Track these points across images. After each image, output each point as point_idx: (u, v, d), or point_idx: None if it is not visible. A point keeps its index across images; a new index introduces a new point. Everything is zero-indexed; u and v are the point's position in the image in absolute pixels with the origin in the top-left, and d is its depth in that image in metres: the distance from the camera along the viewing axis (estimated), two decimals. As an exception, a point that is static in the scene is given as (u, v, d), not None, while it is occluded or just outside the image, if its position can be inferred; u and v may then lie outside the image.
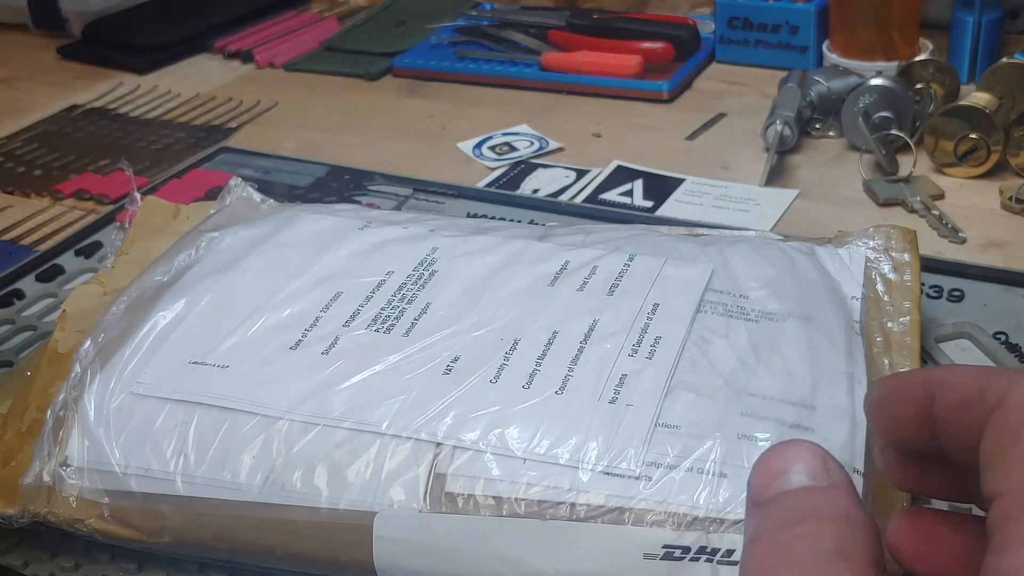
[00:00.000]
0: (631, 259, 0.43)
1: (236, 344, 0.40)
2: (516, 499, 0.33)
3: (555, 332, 0.39)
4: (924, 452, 0.25)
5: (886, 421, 0.26)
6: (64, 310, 0.46)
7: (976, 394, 0.23)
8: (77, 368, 0.40)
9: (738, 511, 0.32)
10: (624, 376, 0.36)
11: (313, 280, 0.43)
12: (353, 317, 0.41)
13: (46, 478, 0.37)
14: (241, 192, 0.53)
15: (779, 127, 0.63)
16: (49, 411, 0.39)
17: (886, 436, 0.26)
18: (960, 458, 0.23)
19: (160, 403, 0.38)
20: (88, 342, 0.41)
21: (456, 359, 0.38)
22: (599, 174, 0.65)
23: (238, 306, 0.42)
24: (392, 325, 0.40)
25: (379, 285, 0.42)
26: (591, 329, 0.39)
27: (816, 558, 0.21)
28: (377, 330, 0.40)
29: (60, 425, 0.38)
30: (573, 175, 0.65)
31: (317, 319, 0.41)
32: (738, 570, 0.23)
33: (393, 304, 0.41)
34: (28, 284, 0.57)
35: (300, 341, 0.40)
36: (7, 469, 0.39)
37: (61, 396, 0.39)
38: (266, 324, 0.41)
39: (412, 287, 0.42)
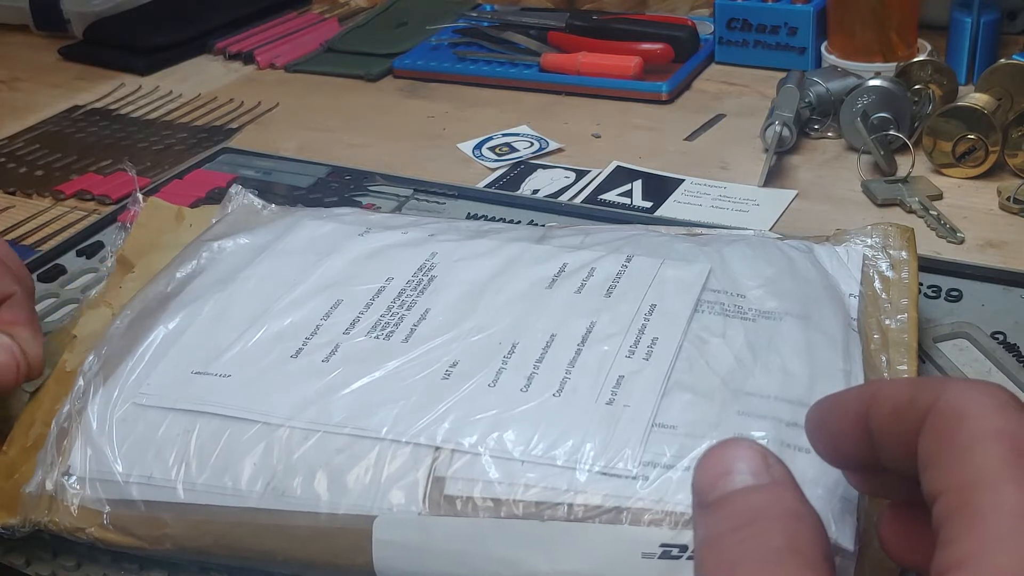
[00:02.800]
0: (629, 260, 0.43)
1: (238, 353, 0.40)
2: (514, 501, 0.33)
3: (553, 335, 0.39)
4: (866, 465, 0.26)
5: (826, 439, 0.27)
6: (75, 335, 0.46)
7: (907, 403, 0.23)
8: (81, 381, 0.40)
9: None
10: (621, 377, 0.36)
11: (313, 288, 0.43)
12: (353, 324, 0.41)
13: (48, 487, 0.38)
14: (242, 199, 0.53)
15: (778, 128, 0.63)
16: (53, 423, 0.39)
17: (827, 454, 0.27)
18: (898, 466, 0.24)
19: (163, 413, 0.38)
20: (92, 355, 0.42)
21: (455, 364, 0.38)
22: (598, 175, 0.65)
23: (239, 316, 0.42)
24: (391, 332, 0.40)
25: (379, 292, 0.43)
26: (588, 331, 0.39)
27: (769, 556, 0.21)
28: (377, 337, 0.40)
29: (64, 436, 0.39)
30: (573, 176, 0.66)
31: (318, 327, 0.41)
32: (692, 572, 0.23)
33: (392, 311, 0.41)
34: (30, 286, 0.57)
35: (301, 349, 0.40)
36: (10, 482, 0.39)
37: (65, 408, 0.40)
38: (267, 333, 0.41)
39: (411, 293, 0.42)
